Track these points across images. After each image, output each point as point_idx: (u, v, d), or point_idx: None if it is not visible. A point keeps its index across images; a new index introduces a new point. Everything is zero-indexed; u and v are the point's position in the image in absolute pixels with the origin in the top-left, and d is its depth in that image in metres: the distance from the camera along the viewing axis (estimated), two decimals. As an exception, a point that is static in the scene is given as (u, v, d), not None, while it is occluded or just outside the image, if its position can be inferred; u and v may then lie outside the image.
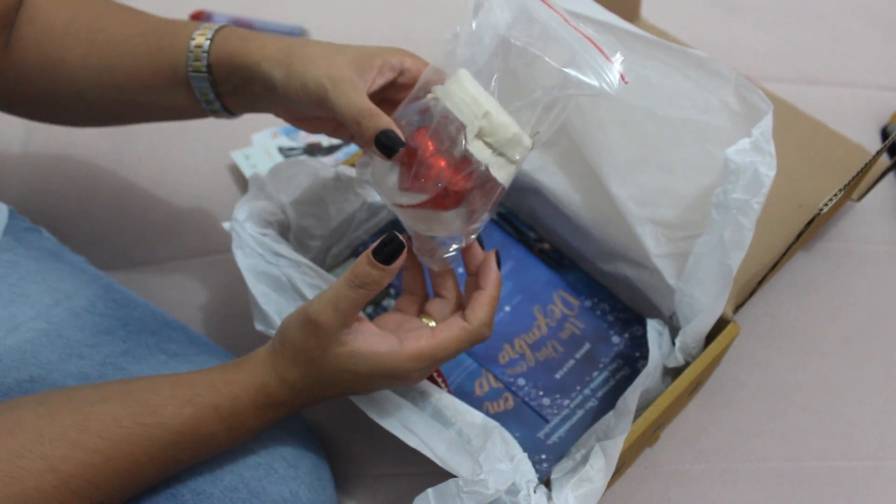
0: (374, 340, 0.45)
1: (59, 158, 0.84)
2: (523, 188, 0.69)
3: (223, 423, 0.46)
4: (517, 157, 0.46)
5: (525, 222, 0.73)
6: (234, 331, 0.69)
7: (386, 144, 0.45)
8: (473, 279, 0.49)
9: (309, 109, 0.49)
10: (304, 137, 0.85)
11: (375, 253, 0.43)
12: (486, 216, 0.47)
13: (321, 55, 0.47)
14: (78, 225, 0.78)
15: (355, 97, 0.46)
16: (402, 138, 0.45)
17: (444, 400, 0.50)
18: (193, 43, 0.52)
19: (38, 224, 0.63)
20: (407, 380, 0.47)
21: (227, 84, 0.53)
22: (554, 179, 0.65)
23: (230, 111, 0.55)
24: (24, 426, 0.42)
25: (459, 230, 0.47)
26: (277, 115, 0.54)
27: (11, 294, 0.54)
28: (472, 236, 0.48)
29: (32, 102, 0.58)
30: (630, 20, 0.74)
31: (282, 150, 0.83)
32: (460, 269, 0.52)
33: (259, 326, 0.56)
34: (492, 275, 0.48)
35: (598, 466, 0.49)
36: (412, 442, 0.49)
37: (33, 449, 0.40)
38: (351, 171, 0.64)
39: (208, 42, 0.51)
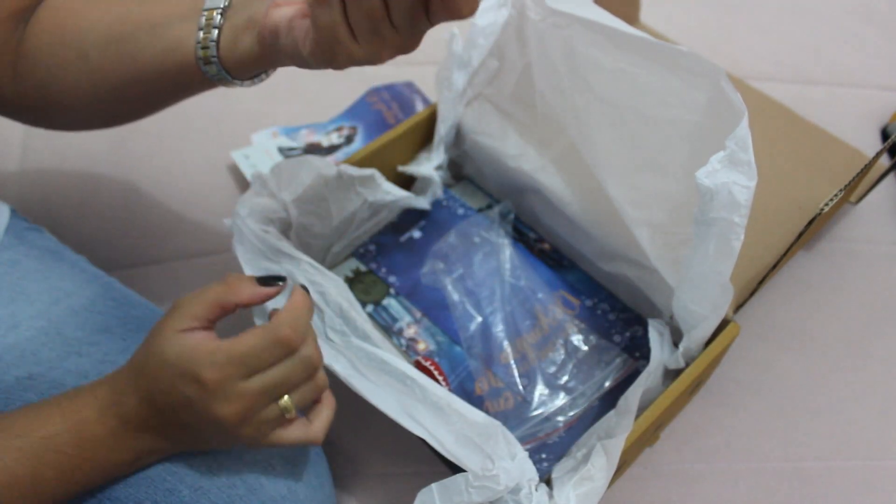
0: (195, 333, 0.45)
1: (60, 159, 0.84)
2: (523, 188, 0.69)
3: (76, 451, 0.42)
4: None
5: (525, 222, 0.73)
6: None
7: None
8: None
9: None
10: (304, 137, 0.85)
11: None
12: None
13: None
14: (78, 225, 0.78)
15: None
16: None
17: (446, 398, 0.50)
18: (200, 56, 0.50)
19: (38, 224, 0.63)
20: (204, 387, 0.43)
21: (248, 72, 0.52)
22: (553, 179, 0.65)
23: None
24: None
25: None
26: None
27: (12, 292, 0.54)
28: None
29: (38, 104, 0.56)
30: (630, 22, 0.74)
31: (282, 150, 0.83)
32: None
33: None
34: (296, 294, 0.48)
35: (599, 465, 0.49)
36: (420, 432, 0.48)
37: None
38: (352, 170, 0.64)
39: (215, 59, 0.50)
